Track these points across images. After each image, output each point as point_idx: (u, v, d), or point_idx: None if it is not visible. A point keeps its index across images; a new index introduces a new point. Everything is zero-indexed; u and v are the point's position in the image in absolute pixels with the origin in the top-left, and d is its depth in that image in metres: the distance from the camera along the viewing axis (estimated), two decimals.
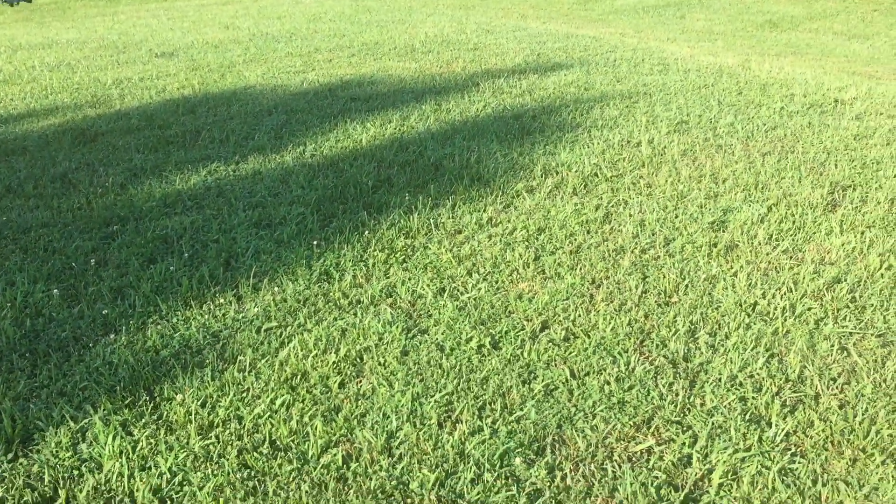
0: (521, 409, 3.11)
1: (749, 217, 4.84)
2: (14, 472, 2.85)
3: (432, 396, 3.19)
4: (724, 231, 4.70)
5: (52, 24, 20.54)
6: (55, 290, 4.17)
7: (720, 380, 3.27)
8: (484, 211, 5.12)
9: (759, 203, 5.07)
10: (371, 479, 2.75)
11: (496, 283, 4.16)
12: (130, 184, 5.90)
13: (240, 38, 13.75)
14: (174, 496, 2.72)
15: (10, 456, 2.93)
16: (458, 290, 4.09)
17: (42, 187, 5.92)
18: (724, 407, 3.11)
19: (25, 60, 12.27)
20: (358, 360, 3.50)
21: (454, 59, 10.40)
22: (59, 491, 2.75)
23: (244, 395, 3.27)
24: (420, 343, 3.60)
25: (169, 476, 2.80)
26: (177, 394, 3.27)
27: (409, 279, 4.21)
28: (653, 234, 4.67)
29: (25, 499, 2.72)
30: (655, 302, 3.92)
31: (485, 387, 3.26)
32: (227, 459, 2.87)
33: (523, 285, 4.13)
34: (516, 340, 3.60)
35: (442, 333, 3.67)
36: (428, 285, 4.12)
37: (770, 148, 6.22)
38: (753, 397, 3.17)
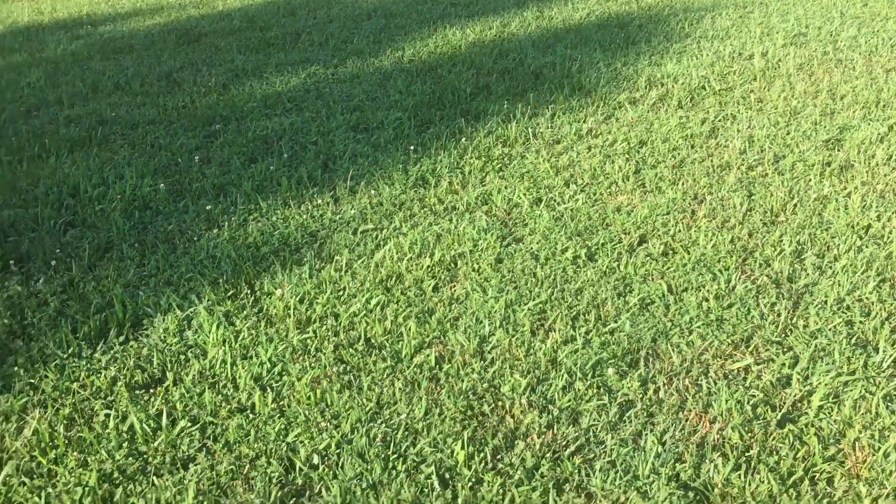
0: (616, 322, 3.07)
1: (867, 136, 4.56)
2: (125, 353, 3.00)
3: (526, 304, 3.19)
4: (839, 150, 4.45)
5: None
6: (161, 185, 4.30)
7: (826, 302, 3.15)
8: (584, 122, 4.99)
9: (879, 122, 4.77)
10: (463, 380, 2.78)
11: (594, 194, 4.08)
12: (232, 84, 5.98)
13: None
14: (273, 384, 2.82)
15: (121, 339, 3.08)
16: (554, 201, 4.03)
17: (148, 85, 6.06)
18: (829, 330, 2.99)
19: None
20: (452, 265, 3.51)
21: None
22: (167, 373, 2.89)
23: (340, 293, 3.33)
24: (515, 251, 3.58)
25: (269, 366, 2.90)
26: (276, 289, 3.36)
27: (506, 188, 4.17)
28: (762, 151, 4.47)
29: (136, 378, 2.87)
30: (761, 220, 3.77)
31: (579, 297, 3.23)
32: (324, 354, 2.95)
33: (622, 198, 4.03)
34: (613, 253, 3.54)
35: (537, 243, 3.64)
36: (524, 194, 4.07)
37: (895, 64, 5.82)
38: (861, 322, 3.04)
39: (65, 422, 2.66)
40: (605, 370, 2.81)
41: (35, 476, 2.45)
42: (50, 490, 2.38)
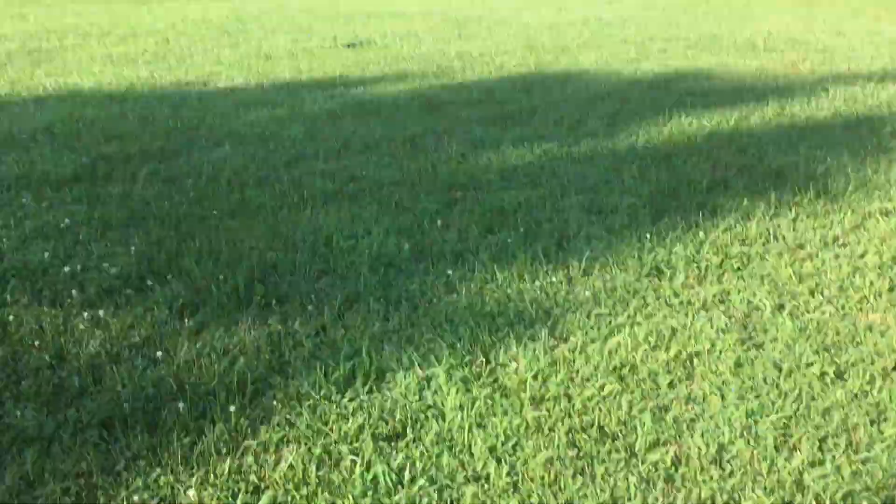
0: (869, 451, 2.90)
1: None
2: (371, 403, 3.19)
3: (768, 416, 3.08)
4: None
5: None
6: (406, 245, 4.57)
7: None
8: (830, 228, 4.79)
9: None
10: (700, 487, 2.73)
11: (842, 308, 3.89)
12: (470, 154, 6.28)
13: (573, 20, 13.98)
14: (508, 458, 2.89)
15: (366, 388, 3.28)
16: (798, 309, 3.88)
17: (394, 147, 6.48)
18: None
19: (378, 27, 13.46)
20: (688, 362, 3.46)
21: (800, 60, 9.77)
22: (408, 430, 3.04)
23: (574, 375, 3.37)
24: (755, 357, 3.48)
25: (503, 438, 2.97)
26: (511, 361, 3.46)
27: (745, 289, 4.07)
28: None
29: (380, 430, 3.04)
30: None
31: (826, 418, 3.08)
32: (557, 434, 2.99)
33: (874, 316, 3.82)
34: (864, 375, 3.35)
35: (779, 352, 3.51)
36: (765, 298, 3.96)
37: None
38: None
39: (316, 461, 2.86)
40: (858, 503, 2.65)
41: None
42: None
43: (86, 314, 3.76)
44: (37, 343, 3.52)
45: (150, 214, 5.00)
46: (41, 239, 4.59)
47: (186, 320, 3.75)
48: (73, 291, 3.94)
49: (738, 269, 4.31)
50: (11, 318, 3.72)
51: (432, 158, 6.16)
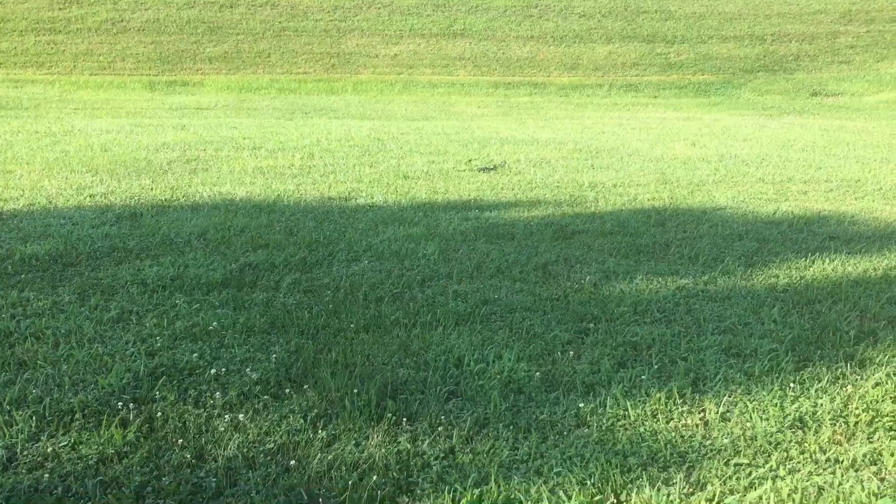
0: None
1: None
2: None
3: None
4: None
5: (528, 121, 22.93)
6: (537, 373, 4.55)
7: None
8: None
9: None
10: None
11: None
12: (603, 284, 6.26)
13: (707, 156, 13.96)
14: None
15: None
16: None
17: (526, 273, 6.55)
18: None
19: (512, 153, 13.85)
20: None
21: None
22: None
23: None
24: None
25: None
26: None
27: None
28: None
29: None
30: None
31: None
32: None
33: None
34: None
35: None
36: None
37: None
38: None
39: None
40: None
41: None
42: None
43: (226, 416, 3.90)
44: (180, 441, 3.67)
45: (290, 323, 5.20)
46: (190, 340, 4.84)
47: (319, 431, 3.84)
48: (217, 393, 4.12)
49: (891, 428, 4.05)
50: (159, 414, 3.90)
51: (564, 287, 6.18)
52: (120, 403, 3.97)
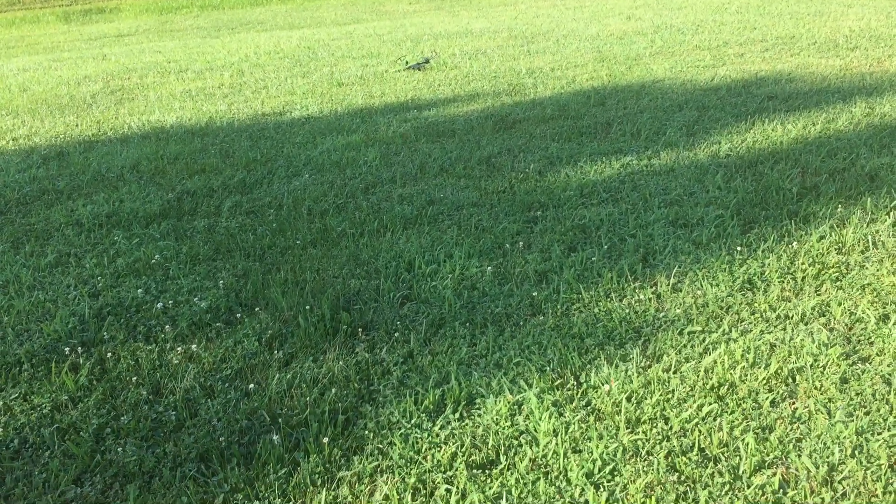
0: None
1: None
2: (462, 430, 3.16)
3: (880, 434, 2.92)
4: None
5: (461, 13, 22.37)
6: (488, 268, 4.53)
7: None
8: None
9: None
10: None
11: None
12: (548, 171, 6.21)
13: (643, 29, 13.78)
14: (605, 484, 2.81)
15: (456, 416, 3.25)
16: None
17: (470, 169, 6.46)
18: None
19: (447, 48, 13.52)
20: (790, 379, 3.32)
21: (886, 57, 9.39)
22: (501, 457, 2.99)
23: (669, 396, 3.27)
24: (862, 372, 3.31)
25: (600, 463, 2.90)
26: (603, 384, 3.38)
27: (846, 300, 3.90)
28: None
29: (473, 457, 3.00)
30: None
31: None
32: (656, 458, 2.90)
33: None
34: None
35: (888, 365, 3.34)
36: (868, 309, 3.78)
37: None
38: None
39: (411, 491, 2.83)
40: None
41: None
42: None
43: (179, 349, 3.84)
44: (134, 379, 3.61)
45: (235, 247, 5.09)
46: (133, 276, 4.72)
47: (276, 351, 3.79)
48: (167, 327, 4.04)
49: (837, 279, 4.14)
50: (110, 354, 3.82)
51: (509, 178, 6.12)
52: (68, 349, 3.87)
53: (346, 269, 4.67)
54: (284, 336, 3.95)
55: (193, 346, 3.84)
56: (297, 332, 3.94)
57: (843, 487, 2.70)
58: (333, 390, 3.42)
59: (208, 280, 4.61)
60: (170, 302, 4.31)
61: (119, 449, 3.11)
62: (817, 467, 2.79)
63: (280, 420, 3.25)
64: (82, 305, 4.32)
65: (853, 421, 3.00)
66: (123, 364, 3.74)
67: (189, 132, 8.52)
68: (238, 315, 4.16)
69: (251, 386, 3.51)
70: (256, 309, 4.22)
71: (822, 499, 2.65)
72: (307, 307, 4.15)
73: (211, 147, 7.74)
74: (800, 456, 2.85)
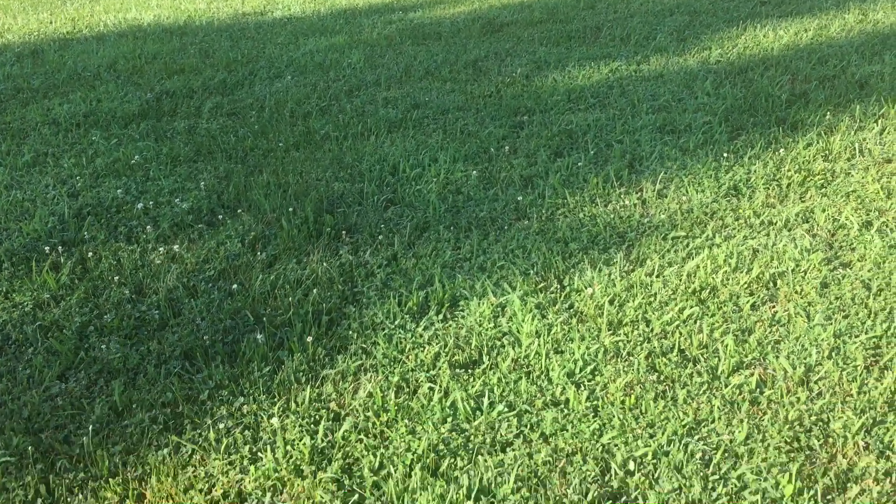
0: None
1: None
2: (445, 331, 3.18)
3: (857, 336, 2.97)
4: None
5: None
6: (473, 172, 4.49)
7: None
8: None
9: None
10: (787, 409, 2.65)
11: None
12: (535, 76, 6.10)
13: None
14: (586, 383, 2.85)
15: (440, 317, 3.27)
16: (887, 226, 3.71)
17: (456, 72, 6.34)
18: None
19: None
20: (771, 284, 3.35)
21: None
22: (484, 357, 3.02)
23: (651, 299, 3.30)
24: (842, 277, 3.34)
25: (581, 363, 2.93)
26: (586, 287, 3.39)
27: (829, 206, 3.90)
28: None
29: (456, 357, 3.03)
30: None
31: None
32: (637, 359, 2.94)
33: None
34: None
35: (868, 270, 3.37)
36: (851, 216, 3.79)
37: None
38: None
39: (394, 389, 2.87)
40: None
41: (370, 435, 2.67)
42: (383, 451, 2.58)
43: (161, 249, 3.81)
44: (116, 278, 3.59)
45: (216, 148, 5.01)
46: (113, 176, 4.64)
47: (259, 253, 3.77)
48: (148, 227, 4.00)
49: (822, 186, 4.13)
50: (91, 254, 3.79)
51: (496, 82, 6.01)
52: (48, 248, 3.83)
53: (330, 173, 4.61)
54: (267, 238, 3.92)
55: (175, 247, 3.81)
56: (281, 234, 3.91)
57: (819, 387, 2.75)
58: (317, 291, 3.42)
59: (189, 181, 4.54)
60: (151, 203, 4.26)
61: (103, 346, 3.11)
62: (794, 368, 2.84)
63: (264, 320, 3.25)
64: (61, 205, 4.25)
65: (832, 324, 3.04)
66: (105, 264, 3.71)
67: (167, 31, 8.27)
68: (220, 216, 4.12)
69: (234, 286, 3.50)
70: (239, 211, 4.18)
71: (798, 398, 2.70)
72: (290, 209, 4.11)
73: (190, 47, 7.53)
74: (777, 357, 2.90)
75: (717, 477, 2.41)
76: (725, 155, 4.48)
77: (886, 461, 2.43)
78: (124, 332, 3.22)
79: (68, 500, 2.44)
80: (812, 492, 2.34)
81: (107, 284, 3.56)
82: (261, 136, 5.20)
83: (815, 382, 2.78)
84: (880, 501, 2.29)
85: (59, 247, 3.84)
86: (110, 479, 2.49)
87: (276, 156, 4.87)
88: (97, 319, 3.31)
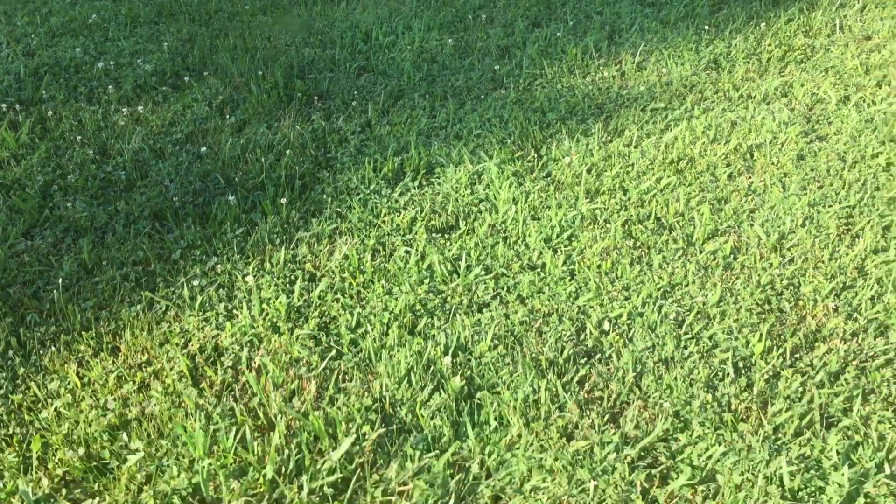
0: None
1: None
2: (422, 197, 3.14)
3: (831, 206, 2.99)
4: None
5: None
6: (449, 41, 4.35)
7: None
8: None
9: None
10: (759, 274, 2.68)
11: None
12: None
13: None
14: (563, 248, 2.85)
15: (416, 183, 3.22)
16: (864, 101, 3.69)
17: None
18: None
19: None
20: (748, 155, 3.34)
21: None
22: (461, 222, 3.00)
23: (629, 169, 3.27)
24: (819, 149, 3.34)
25: (559, 230, 2.92)
26: (564, 156, 3.35)
27: (808, 81, 3.86)
28: None
29: (433, 222, 2.99)
30: None
31: (891, 207, 2.98)
32: (613, 226, 2.93)
33: None
34: None
35: (844, 143, 3.37)
36: (830, 90, 3.76)
37: None
38: None
39: (371, 252, 2.84)
40: None
41: (346, 295, 2.65)
42: (360, 310, 2.58)
43: (125, 110, 3.67)
44: (79, 138, 3.46)
45: (178, 10, 4.78)
46: (69, 36, 4.42)
47: (228, 117, 3.65)
48: (109, 88, 3.83)
49: (802, 61, 4.08)
50: (50, 113, 3.63)
51: None
52: (4, 105, 3.66)
53: (300, 38, 4.44)
54: (236, 102, 3.79)
55: (140, 108, 3.67)
56: (250, 98, 3.78)
57: (792, 254, 2.78)
58: (289, 154, 3.33)
59: (151, 43, 4.34)
60: (111, 63, 4.08)
61: (68, 205, 3.02)
62: (768, 235, 2.86)
63: (235, 182, 3.18)
64: (16, 64, 4.05)
65: (806, 194, 3.06)
66: (66, 124, 3.57)
67: None
68: (186, 79, 3.97)
69: (203, 149, 3.40)
70: (205, 74, 4.02)
71: (771, 263, 2.73)
72: (259, 74, 3.97)
73: None
74: (752, 225, 2.91)
75: (689, 336, 2.45)
76: (706, 28, 4.39)
77: (854, 322, 2.49)
78: (90, 192, 3.12)
79: (40, 352, 2.41)
80: (781, 350, 2.39)
81: (69, 144, 3.44)
82: None
83: (788, 249, 2.81)
84: (846, 359, 2.36)
85: (17, 105, 3.68)
86: (83, 333, 2.46)
87: (242, 19, 4.67)
88: (60, 179, 3.20)
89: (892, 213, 2.95)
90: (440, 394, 2.26)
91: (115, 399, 2.26)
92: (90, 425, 2.18)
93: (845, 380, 2.30)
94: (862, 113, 3.58)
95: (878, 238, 2.83)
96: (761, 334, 2.42)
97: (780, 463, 2.02)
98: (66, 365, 2.37)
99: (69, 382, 2.32)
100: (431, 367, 2.34)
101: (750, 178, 3.20)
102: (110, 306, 2.58)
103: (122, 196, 3.11)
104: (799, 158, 3.29)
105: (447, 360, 2.35)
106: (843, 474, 1.99)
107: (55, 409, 2.24)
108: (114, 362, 2.39)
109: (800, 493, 1.98)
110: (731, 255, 2.79)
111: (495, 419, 2.19)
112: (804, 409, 2.19)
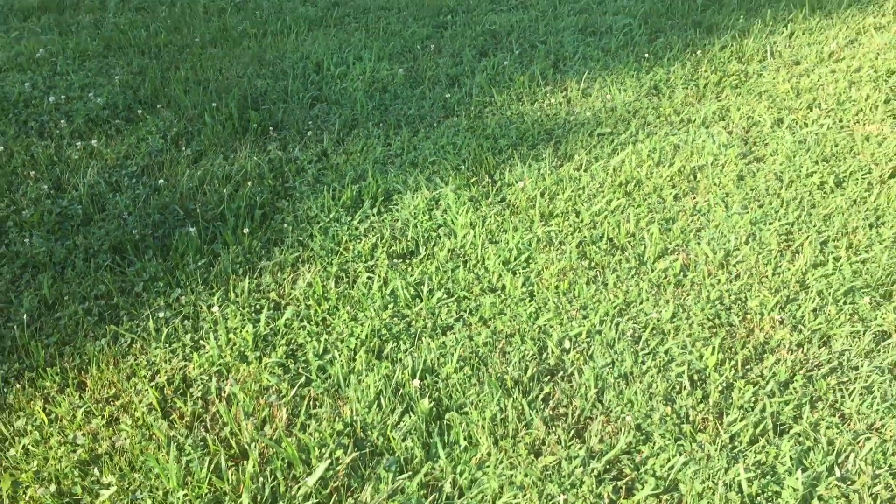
0: (868, 252, 2.99)
1: None
2: (382, 223, 3.20)
3: (771, 224, 3.15)
4: None
5: None
6: (400, 70, 4.44)
7: None
8: (825, 44, 4.73)
9: None
10: (709, 290, 2.81)
11: (840, 120, 3.91)
12: None
13: None
14: (521, 270, 2.94)
15: (374, 210, 3.28)
16: (797, 123, 3.89)
17: None
18: None
19: None
20: (692, 176, 3.49)
21: None
22: (421, 247, 3.07)
23: (580, 192, 3.39)
24: (757, 170, 3.51)
25: (516, 252, 3.02)
26: (517, 181, 3.46)
27: (744, 105, 4.06)
28: None
29: (393, 248, 3.06)
30: None
31: (827, 223, 3.15)
32: (568, 248, 3.04)
33: (871, 127, 3.84)
34: (862, 182, 3.41)
35: (780, 164, 3.55)
36: (764, 113, 3.95)
37: None
38: None
39: (334, 278, 2.89)
40: (858, 299, 2.76)
41: (312, 322, 2.70)
42: (327, 337, 2.62)
43: (78, 144, 3.66)
44: (32, 173, 3.44)
45: (127, 44, 4.78)
46: (17, 70, 4.39)
47: (184, 148, 3.68)
48: (61, 122, 3.82)
49: (737, 86, 4.28)
50: (1, 148, 3.61)
51: None
52: None
53: (251, 69, 4.49)
54: (191, 134, 3.82)
55: (94, 142, 3.67)
56: (205, 130, 3.81)
57: (738, 270, 2.92)
58: (249, 184, 3.37)
59: (101, 76, 4.34)
60: (62, 97, 4.06)
61: (25, 241, 3.00)
62: (715, 253, 3.00)
63: (195, 214, 3.20)
64: None
65: (748, 213, 3.21)
66: (18, 159, 3.55)
67: None
68: (139, 112, 3.97)
69: (161, 182, 3.41)
70: (158, 106, 4.04)
71: (719, 280, 2.87)
72: (213, 105, 4.00)
73: None
74: (699, 244, 3.05)
75: (646, 351, 2.56)
76: (646, 56, 4.57)
77: (799, 333, 2.62)
78: (46, 227, 3.11)
79: (4, 390, 2.39)
80: (733, 362, 2.51)
81: (22, 180, 3.41)
82: (174, 31, 4.99)
83: (734, 265, 2.95)
84: (794, 369, 2.49)
85: None
86: (48, 369, 2.46)
87: (192, 52, 4.70)
88: (15, 215, 3.18)
89: (829, 228, 3.12)
90: (410, 416, 2.32)
91: (84, 434, 2.26)
92: (60, 461, 2.18)
93: (794, 389, 2.42)
94: (795, 134, 3.77)
95: (816, 253, 2.99)
96: (714, 347, 2.54)
97: (737, 470, 2.13)
98: (31, 402, 2.36)
99: (36, 419, 2.31)
100: (400, 391, 2.40)
101: (695, 198, 3.35)
102: (74, 341, 2.58)
103: (80, 230, 3.11)
104: (739, 179, 3.46)
105: (416, 382, 2.41)
106: (797, 479, 2.11)
107: (23, 447, 2.23)
108: (81, 397, 2.39)
109: (758, 499, 2.09)
110: (682, 273, 2.92)
111: (465, 439, 2.26)
112: (757, 417, 2.31)
